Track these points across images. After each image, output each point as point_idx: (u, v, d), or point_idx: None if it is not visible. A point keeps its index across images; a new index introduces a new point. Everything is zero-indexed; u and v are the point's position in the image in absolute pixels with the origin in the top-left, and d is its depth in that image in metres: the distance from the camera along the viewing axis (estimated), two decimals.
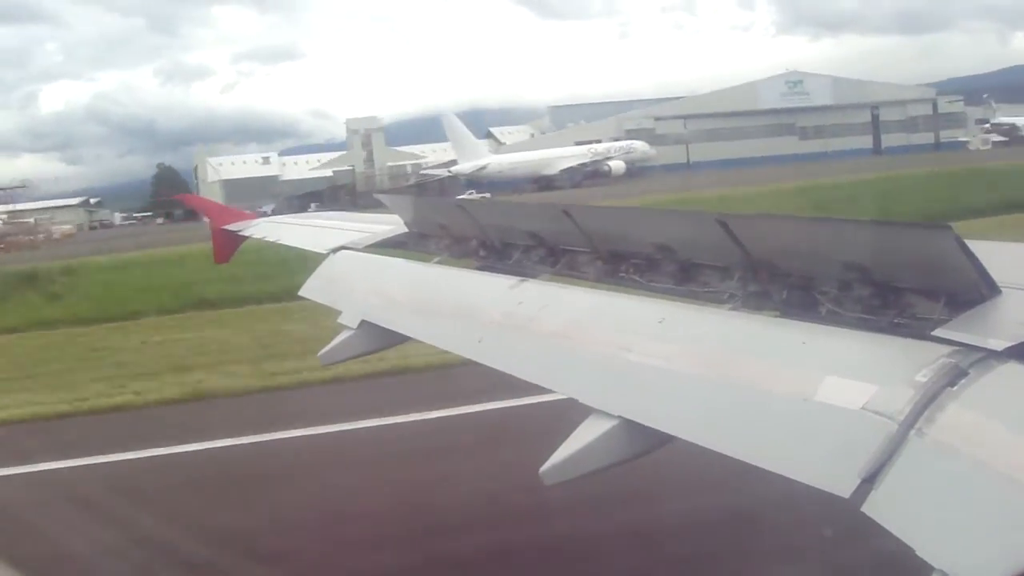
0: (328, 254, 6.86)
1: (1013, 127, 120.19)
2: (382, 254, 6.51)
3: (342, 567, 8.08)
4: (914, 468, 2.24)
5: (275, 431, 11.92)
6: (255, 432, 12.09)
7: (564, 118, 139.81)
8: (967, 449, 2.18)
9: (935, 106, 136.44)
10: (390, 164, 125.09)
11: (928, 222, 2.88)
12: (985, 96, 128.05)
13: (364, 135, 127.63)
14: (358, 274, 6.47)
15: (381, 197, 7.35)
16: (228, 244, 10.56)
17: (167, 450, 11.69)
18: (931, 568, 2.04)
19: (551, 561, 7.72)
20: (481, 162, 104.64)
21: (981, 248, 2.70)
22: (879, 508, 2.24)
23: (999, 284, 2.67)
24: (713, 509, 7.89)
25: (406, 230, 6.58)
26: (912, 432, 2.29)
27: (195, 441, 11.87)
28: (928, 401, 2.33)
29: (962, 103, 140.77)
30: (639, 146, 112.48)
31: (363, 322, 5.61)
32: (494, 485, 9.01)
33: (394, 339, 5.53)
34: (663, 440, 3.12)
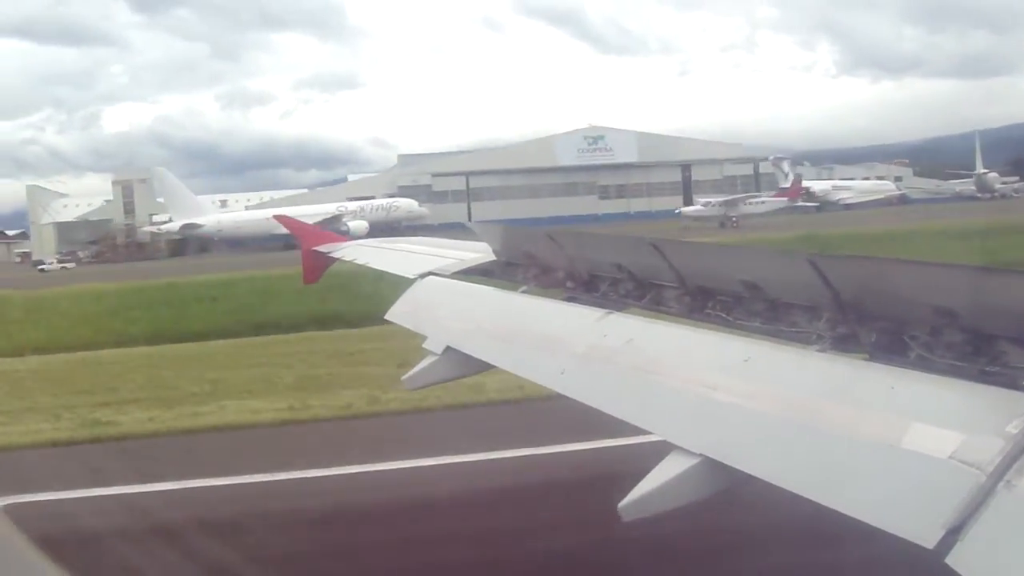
0: (416, 279, 6.96)
1: (808, 192, 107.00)
2: (469, 281, 6.57)
3: None
4: (1002, 521, 2.20)
5: None
6: None
7: (412, 166, 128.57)
8: None
9: (756, 167, 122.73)
10: (154, 216, 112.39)
11: (1022, 269, 2.83)
12: (772, 158, 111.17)
13: (126, 187, 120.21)
14: (444, 300, 6.54)
15: (470, 225, 7.44)
16: (317, 265, 10.82)
17: None
18: None
19: None
20: (195, 220, 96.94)
21: None
22: (964, 560, 2.20)
23: None
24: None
25: (494, 258, 6.64)
26: (1001, 484, 2.25)
27: None
28: (1019, 453, 2.29)
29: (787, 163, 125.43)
30: (404, 204, 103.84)
31: (448, 348, 5.67)
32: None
33: (478, 367, 5.57)
34: (744, 480, 3.10)
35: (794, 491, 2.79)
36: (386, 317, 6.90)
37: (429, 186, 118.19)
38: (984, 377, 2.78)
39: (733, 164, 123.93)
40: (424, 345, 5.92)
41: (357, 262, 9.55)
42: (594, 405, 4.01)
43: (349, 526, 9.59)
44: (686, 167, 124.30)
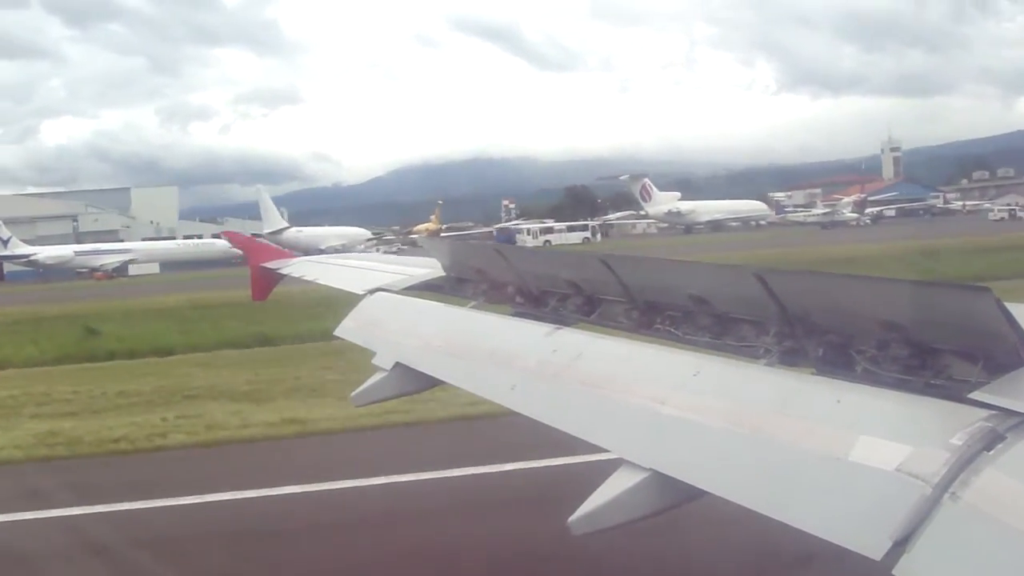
0: (365, 295, 6.92)
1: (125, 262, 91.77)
2: (418, 297, 6.55)
3: None
4: (947, 532, 2.22)
5: None
6: None
7: None
8: (1002, 515, 2.16)
9: (76, 222, 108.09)
10: None
11: (967, 284, 2.86)
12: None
13: None
14: (394, 316, 6.50)
15: (420, 240, 7.44)
16: (266, 282, 10.72)
17: None
18: None
19: None
20: None
21: (1021, 311, 2.69)
22: (911, 572, 2.22)
23: None
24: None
25: (443, 274, 6.63)
26: (946, 496, 2.27)
27: None
28: (963, 465, 2.31)
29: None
30: None
31: (397, 364, 5.64)
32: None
33: (428, 383, 5.55)
34: (694, 494, 3.10)
35: (743, 504, 2.79)
36: (336, 333, 6.85)
37: None
38: (929, 390, 2.81)
39: (48, 221, 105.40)
40: (373, 361, 5.88)
41: (306, 278, 9.48)
42: (545, 421, 3.99)
43: None
44: None
